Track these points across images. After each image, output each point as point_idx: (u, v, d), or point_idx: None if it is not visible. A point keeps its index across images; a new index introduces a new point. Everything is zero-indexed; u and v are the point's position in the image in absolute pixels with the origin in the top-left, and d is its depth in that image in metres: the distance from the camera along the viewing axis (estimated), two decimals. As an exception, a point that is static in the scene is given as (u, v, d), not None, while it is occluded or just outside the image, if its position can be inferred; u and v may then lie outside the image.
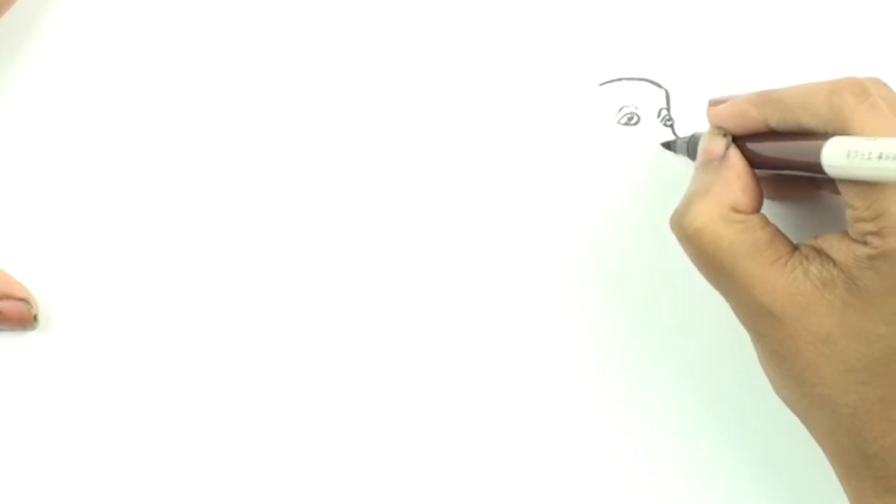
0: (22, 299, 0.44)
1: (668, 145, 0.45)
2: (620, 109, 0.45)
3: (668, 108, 0.45)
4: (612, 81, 0.46)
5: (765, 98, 0.38)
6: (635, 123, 0.45)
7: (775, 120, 0.38)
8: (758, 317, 0.37)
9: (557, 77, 0.46)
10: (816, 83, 0.37)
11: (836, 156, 0.35)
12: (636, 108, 0.45)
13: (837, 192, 0.40)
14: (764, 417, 0.44)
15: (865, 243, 0.35)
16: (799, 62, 0.46)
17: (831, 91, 0.36)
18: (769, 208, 0.39)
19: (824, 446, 0.38)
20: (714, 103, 0.41)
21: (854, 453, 0.37)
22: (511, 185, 0.45)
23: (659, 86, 0.45)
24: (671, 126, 0.45)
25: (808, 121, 0.36)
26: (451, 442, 0.44)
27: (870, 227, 0.35)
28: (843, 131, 0.35)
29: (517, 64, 0.46)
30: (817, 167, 0.35)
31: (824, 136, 0.36)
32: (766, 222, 0.38)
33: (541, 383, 0.44)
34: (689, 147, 0.43)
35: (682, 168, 0.45)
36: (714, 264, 0.38)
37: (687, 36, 0.46)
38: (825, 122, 0.36)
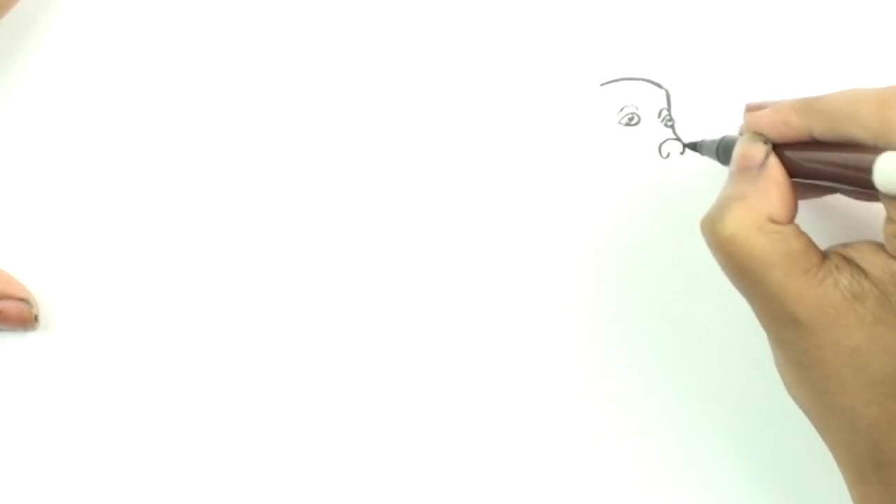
0: (22, 299, 0.44)
1: (693, 146, 0.44)
2: (621, 110, 0.45)
3: (668, 109, 0.45)
4: (612, 82, 0.46)
5: (809, 107, 0.37)
6: (636, 124, 0.45)
7: (820, 130, 0.37)
8: (784, 325, 0.36)
9: (558, 77, 0.46)
10: (863, 92, 0.36)
11: (890, 171, 0.34)
12: (637, 108, 0.45)
13: (853, 196, 0.40)
14: (770, 421, 0.44)
15: None
16: (799, 62, 0.45)
17: (882, 103, 0.35)
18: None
19: (835, 451, 0.38)
20: (751, 108, 0.40)
21: (867, 461, 0.37)
22: (511, 186, 0.45)
23: (659, 86, 0.45)
24: (672, 126, 0.45)
25: (857, 133, 0.36)
26: (457, 442, 0.44)
27: None
28: (894, 145, 0.34)
29: (518, 64, 0.46)
30: (866, 181, 0.35)
31: (874, 148, 0.35)
32: (800, 232, 0.37)
33: (541, 383, 0.45)
34: (720, 150, 0.41)
35: (681, 168, 0.45)
36: (745, 272, 0.37)
37: (687, 36, 0.46)
38: (875, 135, 0.35)
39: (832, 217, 0.43)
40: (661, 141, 0.45)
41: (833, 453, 0.38)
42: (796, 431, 0.40)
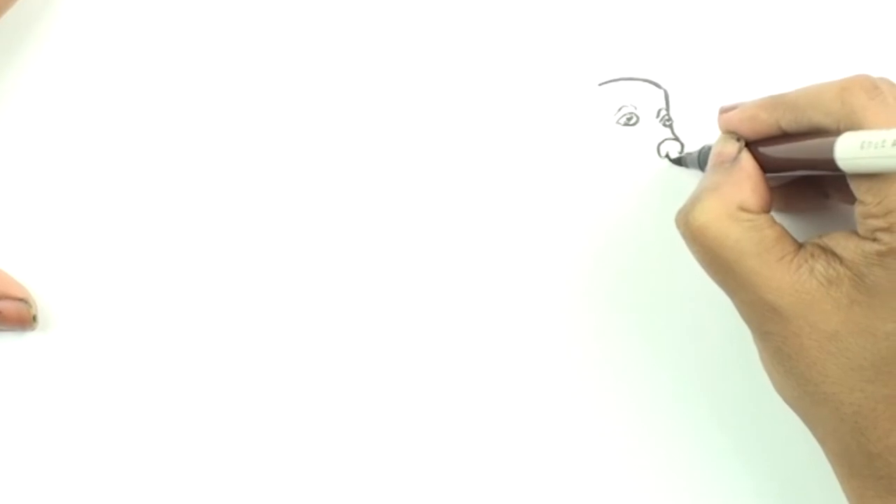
0: (21, 299, 0.44)
1: (678, 161, 0.45)
2: (619, 109, 0.45)
3: (667, 109, 0.45)
4: (611, 81, 0.45)
5: (775, 101, 0.39)
6: (634, 123, 0.45)
7: (787, 121, 0.38)
8: (762, 314, 0.37)
9: (557, 77, 0.46)
10: (827, 83, 0.37)
11: (849, 148, 0.35)
12: (635, 108, 0.45)
13: (845, 201, 0.41)
14: (764, 420, 0.44)
15: (875, 240, 0.35)
16: (798, 62, 0.45)
17: (842, 88, 0.36)
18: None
19: (826, 446, 0.38)
20: (724, 110, 0.41)
21: (856, 452, 0.37)
22: (510, 185, 0.45)
23: (658, 86, 0.45)
24: (670, 126, 0.45)
25: (821, 119, 0.37)
26: (456, 441, 0.44)
27: (880, 223, 0.35)
28: (855, 127, 0.35)
29: (517, 64, 0.46)
30: (831, 163, 0.36)
31: (837, 132, 0.36)
32: (774, 221, 0.38)
33: (538, 383, 0.44)
34: (700, 158, 0.43)
35: (680, 168, 0.45)
36: (719, 261, 0.37)
37: (686, 36, 0.46)
38: (837, 119, 0.36)
39: (816, 226, 0.43)
40: (660, 141, 0.45)
41: (823, 448, 0.38)
42: (795, 434, 0.39)
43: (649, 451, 0.44)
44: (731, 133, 0.40)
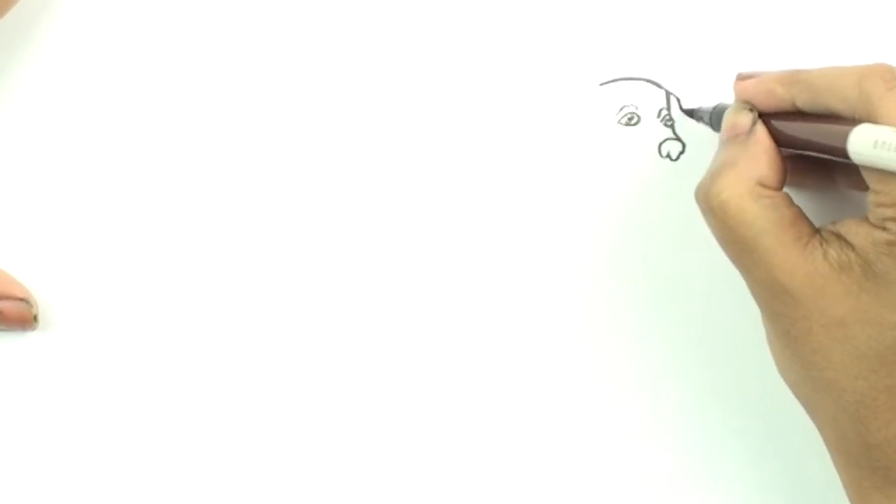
0: (22, 299, 0.44)
1: (690, 113, 0.44)
2: (621, 109, 0.45)
3: (668, 109, 0.45)
4: (612, 81, 0.45)
5: (793, 78, 0.39)
6: (635, 123, 0.45)
7: (802, 100, 0.38)
8: (774, 295, 0.37)
9: (557, 77, 0.46)
10: (847, 66, 0.37)
11: (862, 143, 0.35)
12: (636, 108, 0.45)
13: (853, 187, 0.41)
14: (766, 411, 0.44)
15: (884, 229, 0.36)
16: (800, 61, 0.45)
17: (861, 76, 0.36)
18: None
19: (825, 434, 0.38)
20: (742, 78, 0.41)
21: (855, 442, 0.37)
22: (511, 186, 0.45)
23: (659, 86, 0.45)
24: (671, 126, 0.45)
25: (836, 104, 0.37)
26: (462, 442, 0.44)
27: (890, 212, 0.35)
28: (870, 117, 0.35)
29: (517, 64, 0.46)
30: (842, 152, 0.36)
31: (852, 120, 0.36)
32: (791, 202, 0.38)
33: (541, 384, 0.45)
34: (713, 117, 0.43)
35: (681, 168, 0.45)
36: (736, 239, 0.38)
37: (687, 36, 0.46)
38: (853, 106, 0.36)
39: (830, 210, 0.43)
40: (661, 140, 0.45)
41: (822, 435, 0.39)
42: (806, 429, 0.39)
43: (656, 448, 0.44)
44: (745, 103, 0.40)
